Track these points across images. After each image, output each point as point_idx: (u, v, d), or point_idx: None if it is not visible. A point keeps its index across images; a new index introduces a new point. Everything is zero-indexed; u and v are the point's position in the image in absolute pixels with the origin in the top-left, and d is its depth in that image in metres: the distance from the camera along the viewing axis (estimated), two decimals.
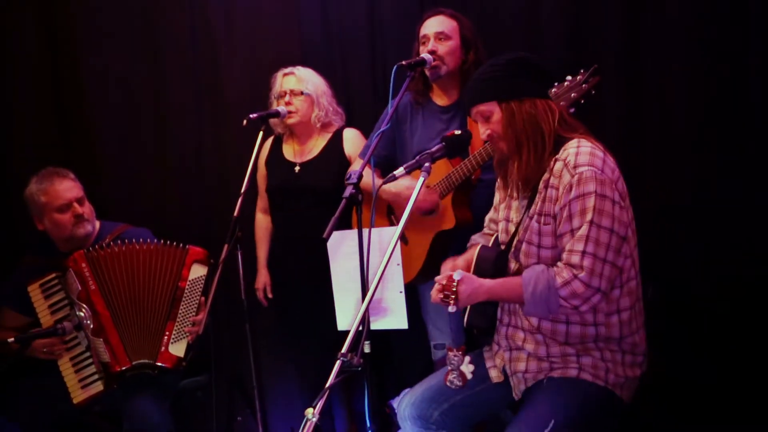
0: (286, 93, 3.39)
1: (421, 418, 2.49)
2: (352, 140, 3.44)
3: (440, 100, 3.20)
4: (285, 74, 3.44)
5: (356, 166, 3.25)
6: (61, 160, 3.52)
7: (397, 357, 3.67)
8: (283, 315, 3.56)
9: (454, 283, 2.14)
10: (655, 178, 3.18)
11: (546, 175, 2.26)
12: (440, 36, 3.06)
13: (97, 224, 3.28)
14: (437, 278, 2.26)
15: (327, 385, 1.97)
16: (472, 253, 2.50)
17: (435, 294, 2.23)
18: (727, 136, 3.08)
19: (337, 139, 3.46)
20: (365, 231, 2.54)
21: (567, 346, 2.27)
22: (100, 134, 3.92)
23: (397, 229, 2.17)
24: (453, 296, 2.15)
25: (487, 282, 2.26)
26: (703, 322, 3.08)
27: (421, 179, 2.26)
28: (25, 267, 3.22)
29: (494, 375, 2.44)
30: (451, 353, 2.39)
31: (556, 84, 2.56)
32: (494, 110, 2.31)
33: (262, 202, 3.58)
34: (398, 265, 2.61)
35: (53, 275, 3.09)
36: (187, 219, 3.91)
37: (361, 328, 2.10)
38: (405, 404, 2.54)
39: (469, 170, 2.93)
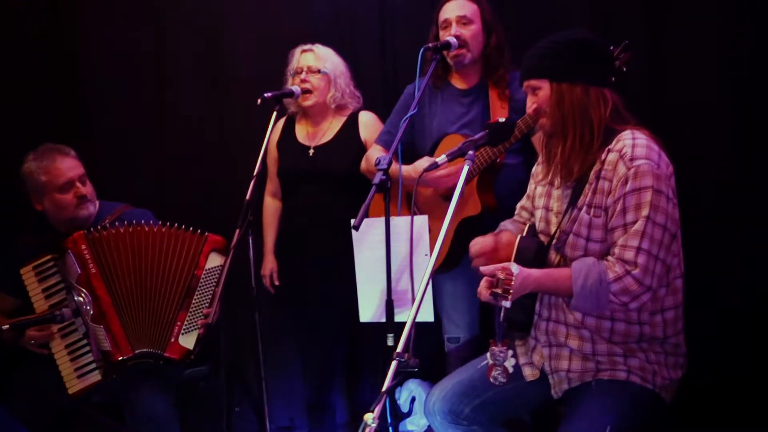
0: (302, 70, 3.26)
1: (452, 413, 2.40)
2: (369, 124, 3.33)
3: (460, 83, 3.10)
4: (303, 50, 3.30)
5: (374, 151, 3.14)
6: (56, 135, 3.33)
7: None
8: (290, 303, 3.43)
9: (513, 277, 2.01)
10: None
11: (597, 166, 2.17)
12: (463, 20, 2.96)
13: (97, 204, 3.09)
14: (486, 269, 2.11)
15: (384, 388, 1.84)
16: (507, 238, 2.40)
17: (485, 289, 2.09)
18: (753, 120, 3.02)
19: (353, 123, 3.34)
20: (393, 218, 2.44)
21: (613, 345, 2.19)
22: (98, 109, 3.76)
23: (444, 226, 2.03)
24: (511, 291, 2.01)
25: (535, 272, 2.14)
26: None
27: (466, 167, 2.14)
28: (18, 247, 3.02)
29: (528, 372, 2.35)
30: (495, 348, 2.26)
31: None
32: (544, 86, 2.23)
33: (272, 185, 3.45)
34: (426, 255, 2.51)
35: (48, 257, 2.91)
36: (187, 199, 3.77)
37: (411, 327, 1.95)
38: (435, 398, 2.44)
39: (495, 153, 2.84)
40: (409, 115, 2.65)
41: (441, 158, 2.24)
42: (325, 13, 3.67)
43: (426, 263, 2.45)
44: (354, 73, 3.54)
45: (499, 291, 2.02)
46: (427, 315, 2.54)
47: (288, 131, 3.40)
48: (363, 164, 3.17)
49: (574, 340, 2.23)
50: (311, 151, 3.32)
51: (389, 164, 2.42)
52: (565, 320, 2.25)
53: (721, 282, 3.05)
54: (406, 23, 3.59)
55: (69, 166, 2.95)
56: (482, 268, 2.15)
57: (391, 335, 2.43)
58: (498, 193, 2.95)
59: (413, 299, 2.51)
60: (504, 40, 3.04)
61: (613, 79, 2.30)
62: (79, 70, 3.74)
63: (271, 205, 3.47)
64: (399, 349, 1.89)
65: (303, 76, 3.25)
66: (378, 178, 2.38)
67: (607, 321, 2.19)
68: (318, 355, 3.46)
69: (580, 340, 2.22)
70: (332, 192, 3.26)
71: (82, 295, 2.86)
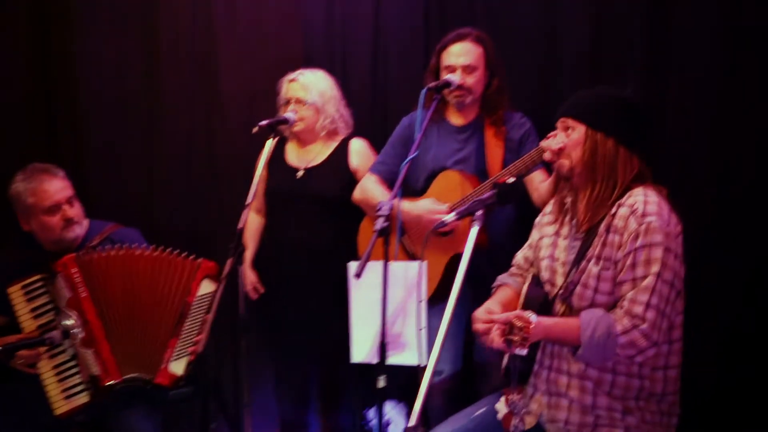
0: (290, 101, 3.29)
1: None
2: (360, 152, 3.37)
3: (456, 119, 3.16)
4: (290, 80, 3.33)
5: (368, 182, 3.19)
6: (46, 153, 3.31)
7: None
8: (267, 323, 3.47)
9: (532, 326, 2.04)
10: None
11: (607, 219, 2.23)
12: (467, 69, 3.01)
13: (86, 223, 3.07)
14: (500, 317, 2.13)
15: None
16: (507, 295, 2.47)
17: (497, 336, 2.11)
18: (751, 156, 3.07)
19: (343, 149, 3.38)
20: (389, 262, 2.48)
21: (613, 401, 2.24)
22: (88, 127, 3.73)
23: (450, 301, 2.09)
24: (528, 339, 2.03)
25: (544, 320, 2.18)
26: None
27: (475, 228, 2.19)
28: (5, 265, 2.99)
29: (528, 421, 2.38)
30: (512, 397, 2.26)
31: None
32: (579, 129, 2.27)
33: (256, 202, 3.44)
34: (421, 302, 2.57)
35: (37, 277, 2.88)
36: (174, 219, 3.76)
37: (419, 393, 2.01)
38: None
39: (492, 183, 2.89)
40: (410, 158, 2.68)
41: (449, 217, 2.27)
42: (320, 32, 3.67)
43: (420, 309, 2.53)
44: (345, 94, 3.56)
45: (515, 339, 2.04)
46: (415, 359, 2.56)
47: (278, 152, 3.42)
48: (357, 194, 3.21)
49: (574, 390, 2.27)
50: (300, 173, 3.35)
51: (391, 209, 2.48)
52: (568, 370, 2.29)
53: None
54: (398, 47, 3.62)
55: (57, 188, 2.92)
56: (496, 316, 2.18)
57: (383, 377, 2.52)
58: (488, 231, 3.00)
59: (405, 344, 2.60)
60: (505, 82, 3.08)
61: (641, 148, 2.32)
62: (70, 86, 3.70)
63: (254, 221, 3.49)
64: (413, 422, 1.91)
65: (291, 107, 3.28)
66: (380, 224, 2.43)
67: (608, 374, 2.24)
68: (294, 375, 3.52)
69: (581, 391, 2.26)
70: (318, 215, 3.31)
71: (72, 318, 2.84)
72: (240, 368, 3.22)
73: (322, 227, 3.31)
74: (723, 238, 3.06)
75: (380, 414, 2.59)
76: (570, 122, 2.29)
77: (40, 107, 3.73)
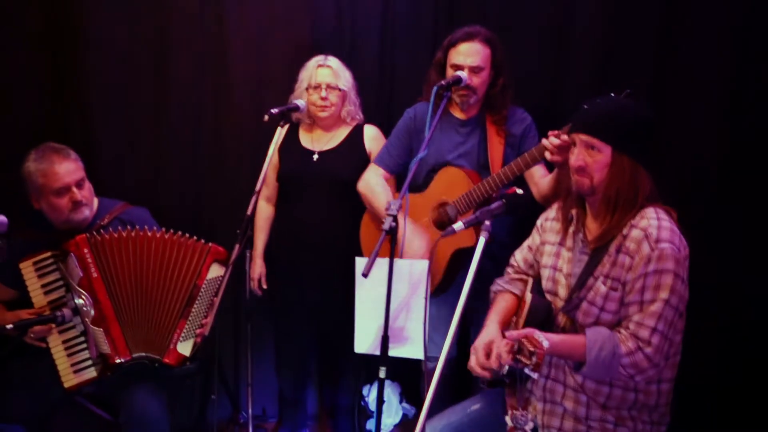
0: (320, 86, 3.33)
1: None
2: (375, 137, 3.46)
3: (458, 113, 3.22)
4: (320, 65, 3.37)
5: (372, 174, 3.26)
6: (56, 131, 3.34)
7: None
8: (277, 300, 3.54)
9: (544, 351, 2.10)
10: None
11: (618, 240, 2.28)
12: (475, 69, 3.05)
13: (96, 201, 3.13)
14: (511, 335, 2.19)
15: None
16: (508, 305, 2.55)
17: (506, 354, 2.17)
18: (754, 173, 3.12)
19: (357, 133, 3.45)
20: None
21: (606, 412, 2.32)
22: (98, 107, 3.72)
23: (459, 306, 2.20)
24: (541, 362, 2.10)
25: (550, 337, 2.22)
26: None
27: (483, 239, 2.27)
28: (17, 240, 3.03)
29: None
30: (517, 413, 2.32)
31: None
32: (604, 151, 2.26)
33: (267, 190, 3.49)
34: (425, 298, 2.67)
35: (48, 254, 2.96)
36: (179, 199, 3.80)
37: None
38: None
39: (492, 188, 2.98)
40: (419, 156, 2.74)
41: (458, 225, 2.35)
42: (329, 19, 3.69)
43: (423, 306, 2.63)
44: None
45: (527, 362, 2.10)
46: (417, 353, 2.70)
47: (291, 137, 3.46)
48: (361, 185, 3.27)
49: (569, 401, 2.36)
50: (315, 156, 3.41)
51: (399, 209, 2.57)
52: (565, 381, 2.38)
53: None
54: (407, 36, 3.65)
55: (67, 170, 2.96)
56: (507, 334, 2.24)
57: (384, 368, 2.64)
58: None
59: (408, 338, 2.71)
60: (510, 81, 3.13)
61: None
62: (80, 67, 3.71)
63: (264, 210, 3.54)
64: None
65: (323, 93, 3.32)
66: (388, 224, 2.52)
67: (605, 386, 2.32)
68: (294, 353, 3.61)
69: (576, 403, 2.35)
70: (333, 197, 3.37)
71: (83, 297, 2.93)
72: (241, 349, 3.28)
73: (336, 209, 3.37)
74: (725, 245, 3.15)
75: (380, 400, 2.69)
76: (595, 142, 2.26)
77: (52, 90, 3.74)
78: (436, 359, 3.26)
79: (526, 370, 2.11)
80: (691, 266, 2.30)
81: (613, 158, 2.25)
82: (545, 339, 2.15)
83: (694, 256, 2.32)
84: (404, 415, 3.78)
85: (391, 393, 3.74)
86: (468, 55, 3.04)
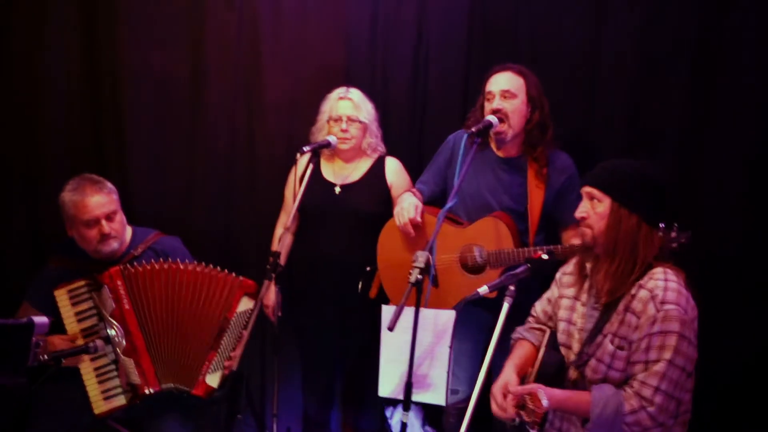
0: (341, 118, 3.34)
1: None
2: (395, 171, 3.48)
3: (500, 151, 3.20)
4: (341, 98, 3.39)
5: (407, 203, 3.20)
6: (93, 155, 3.39)
7: None
8: (301, 330, 3.60)
9: (542, 411, 2.19)
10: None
11: (627, 299, 2.33)
12: (506, 94, 3.05)
13: (129, 231, 3.20)
14: (516, 390, 2.29)
15: None
16: (525, 353, 2.59)
17: (511, 407, 2.27)
18: None
19: (379, 166, 3.47)
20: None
21: None
22: (133, 133, 3.78)
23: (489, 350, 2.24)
24: (538, 421, 2.19)
25: (558, 394, 2.31)
26: None
27: (506, 305, 2.31)
28: (52, 267, 3.14)
29: None
30: None
31: None
32: (604, 202, 2.35)
33: (286, 218, 3.49)
34: (449, 347, 2.70)
35: (83, 282, 3.01)
36: (212, 224, 3.86)
37: None
38: None
39: (526, 257, 2.93)
40: (447, 207, 2.79)
41: (483, 289, 2.40)
42: (362, 46, 3.71)
43: (447, 354, 2.67)
44: (384, 108, 3.65)
45: (528, 420, 2.21)
46: (440, 399, 2.73)
47: (314, 168, 3.46)
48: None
49: None
50: (337, 189, 3.43)
51: (426, 263, 2.59)
52: None
53: None
54: (439, 62, 3.66)
55: (97, 203, 3.01)
56: (512, 389, 2.33)
57: (407, 413, 2.69)
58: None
59: (431, 385, 2.74)
60: (548, 118, 3.11)
61: (663, 226, 2.36)
62: (117, 95, 3.76)
63: (284, 238, 3.52)
64: None
65: (344, 125, 3.34)
66: (414, 277, 2.54)
67: None
68: (319, 378, 3.66)
69: None
70: (353, 229, 3.39)
71: (115, 328, 2.99)
72: (268, 374, 3.31)
73: (356, 241, 3.39)
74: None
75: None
76: (596, 193, 2.37)
77: (88, 117, 3.80)
78: (457, 392, 3.35)
79: (528, 427, 2.21)
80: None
81: (611, 209, 2.34)
82: (546, 398, 2.23)
83: None
84: None
85: (413, 417, 3.78)
86: (499, 83, 3.06)
